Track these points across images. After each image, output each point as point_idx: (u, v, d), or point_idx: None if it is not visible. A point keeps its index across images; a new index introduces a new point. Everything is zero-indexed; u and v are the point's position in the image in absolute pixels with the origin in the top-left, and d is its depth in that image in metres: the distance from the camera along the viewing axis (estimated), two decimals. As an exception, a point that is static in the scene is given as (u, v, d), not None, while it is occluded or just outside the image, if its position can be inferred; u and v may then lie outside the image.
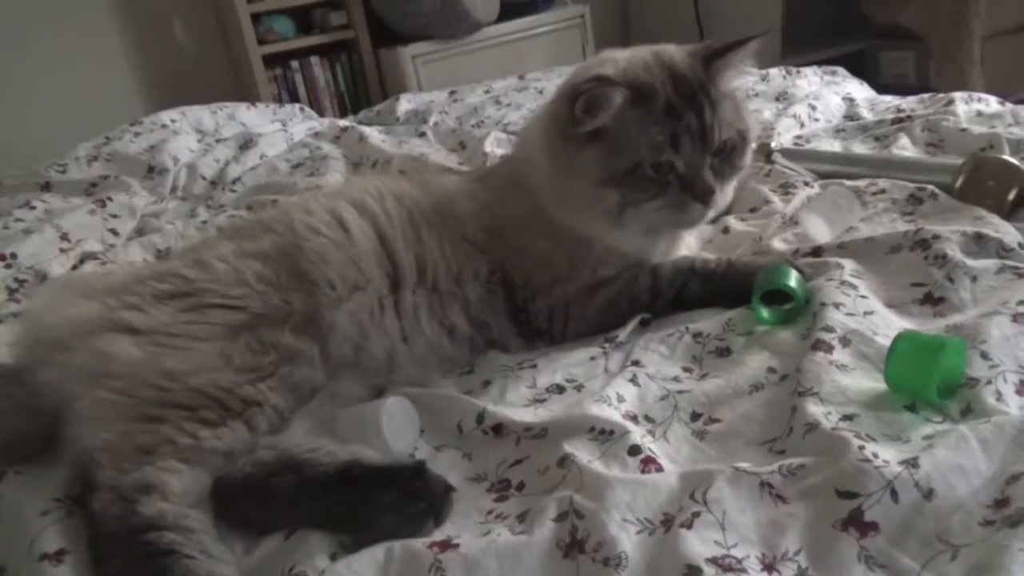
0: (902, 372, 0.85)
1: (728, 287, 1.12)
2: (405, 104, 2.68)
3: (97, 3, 3.48)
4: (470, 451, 0.94)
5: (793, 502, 0.74)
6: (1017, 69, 3.38)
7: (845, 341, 0.95)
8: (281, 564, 0.77)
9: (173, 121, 2.43)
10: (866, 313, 1.00)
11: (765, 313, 1.05)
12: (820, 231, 1.26)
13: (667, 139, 1.05)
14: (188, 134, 2.36)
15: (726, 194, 1.17)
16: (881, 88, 2.30)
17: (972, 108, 1.79)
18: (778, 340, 1.01)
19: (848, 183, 1.42)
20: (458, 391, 1.04)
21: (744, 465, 0.78)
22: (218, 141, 2.36)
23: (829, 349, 0.93)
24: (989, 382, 0.83)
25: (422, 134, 2.24)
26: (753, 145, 1.63)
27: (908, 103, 1.95)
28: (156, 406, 0.90)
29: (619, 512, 0.75)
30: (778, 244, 1.25)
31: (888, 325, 0.99)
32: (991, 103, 1.83)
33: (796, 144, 1.76)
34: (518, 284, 1.15)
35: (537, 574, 0.73)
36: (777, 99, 2.19)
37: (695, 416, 0.92)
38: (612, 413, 0.90)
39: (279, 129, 2.44)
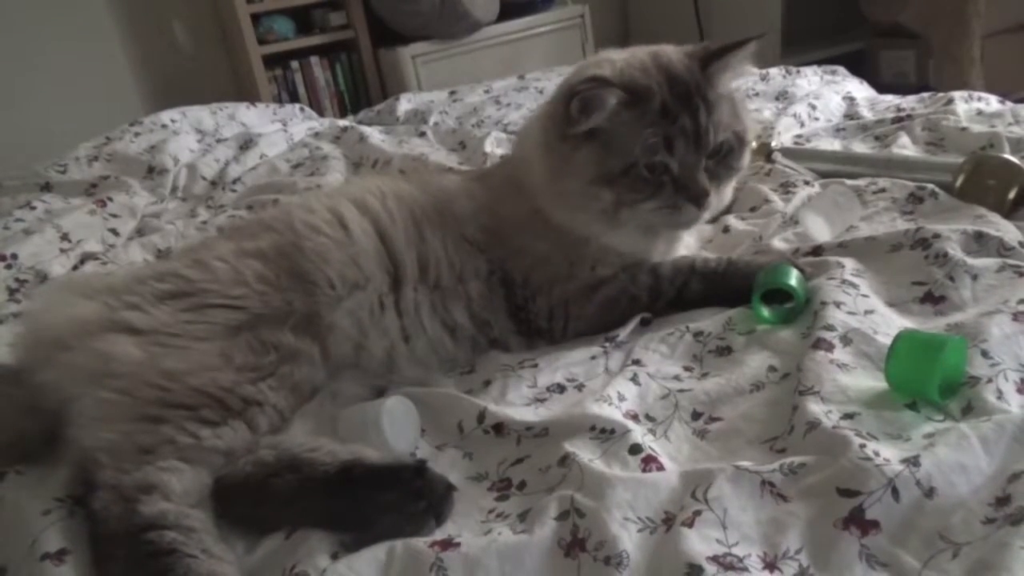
0: (903, 371, 0.85)
1: (729, 286, 1.12)
2: (405, 104, 2.68)
3: (97, 4, 3.49)
4: (471, 450, 0.94)
5: (794, 500, 0.74)
6: (1017, 68, 3.38)
7: (846, 340, 0.95)
8: (282, 563, 0.77)
9: (173, 121, 2.43)
10: (867, 312, 1.00)
11: (766, 312, 1.05)
12: (820, 230, 1.26)
13: (661, 141, 1.05)
14: (188, 134, 2.36)
15: (723, 195, 1.17)
16: (881, 87, 2.30)
17: (972, 107, 1.79)
18: (779, 339, 1.01)
19: (848, 182, 1.42)
20: (459, 390, 1.04)
21: (745, 464, 0.78)
22: (218, 141, 2.36)
23: (830, 348, 0.93)
24: (990, 380, 0.83)
25: (422, 134, 2.24)
26: (753, 144, 1.64)
27: (908, 102, 1.95)
28: (157, 406, 0.90)
29: (620, 511, 0.75)
30: (778, 243, 1.25)
31: (889, 324, 0.99)
32: (991, 102, 1.83)
33: (796, 143, 1.76)
34: (518, 283, 1.15)
35: (538, 573, 0.73)
36: (777, 98, 2.19)
37: (696, 415, 0.92)
38: (613, 412, 0.90)
39: (279, 129, 2.44)
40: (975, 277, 1.03)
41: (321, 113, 3.34)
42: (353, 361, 1.07)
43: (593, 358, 1.06)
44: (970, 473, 0.72)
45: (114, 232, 1.82)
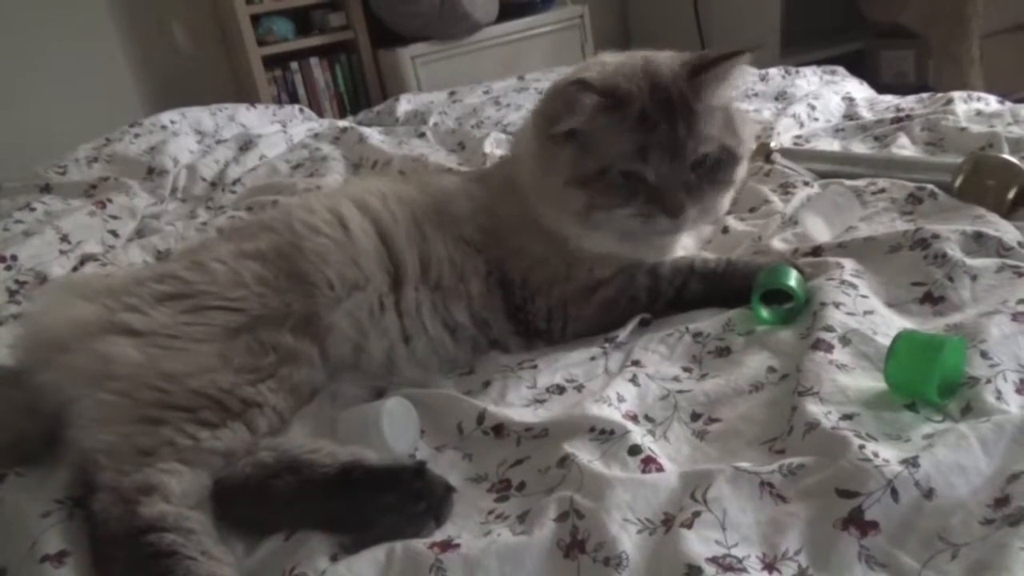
0: (902, 371, 0.85)
1: (728, 287, 1.12)
2: (404, 105, 2.69)
3: (96, 5, 3.49)
4: (470, 451, 0.94)
5: (793, 501, 0.74)
6: (1016, 68, 3.38)
7: (845, 340, 0.95)
8: (282, 565, 0.77)
9: (173, 122, 2.43)
10: (866, 312, 1.01)
11: (765, 313, 1.05)
12: (820, 231, 1.26)
13: (636, 148, 1.05)
14: (188, 135, 2.36)
15: (714, 207, 1.15)
16: (880, 87, 2.30)
17: (971, 107, 1.79)
18: (778, 340, 1.01)
19: (848, 182, 1.42)
20: (458, 391, 1.04)
21: (744, 465, 0.78)
22: (218, 142, 2.36)
23: (829, 348, 0.93)
24: (989, 381, 0.83)
25: (422, 135, 2.24)
26: (752, 146, 1.64)
27: (907, 102, 1.95)
28: (156, 408, 0.90)
29: (619, 512, 0.75)
30: (778, 244, 1.25)
31: (888, 324, 0.99)
32: (990, 102, 1.83)
33: (795, 144, 1.76)
34: (516, 284, 1.16)
35: (538, 574, 0.73)
36: (776, 99, 2.19)
37: (695, 416, 0.92)
38: (612, 413, 0.90)
39: (279, 130, 2.44)
40: (974, 277, 1.03)
41: (321, 114, 3.34)
42: (353, 362, 1.07)
43: (592, 359, 1.06)
44: (969, 474, 0.72)
45: (114, 233, 1.82)
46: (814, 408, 0.84)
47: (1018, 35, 3.47)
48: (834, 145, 1.73)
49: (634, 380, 0.98)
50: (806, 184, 1.47)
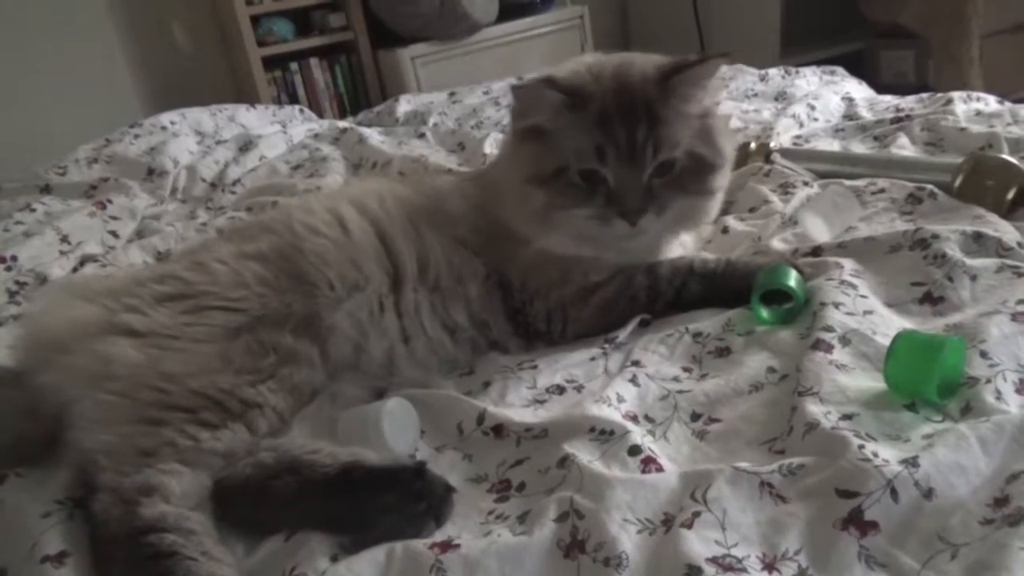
0: (902, 371, 0.85)
1: (727, 287, 1.12)
2: (404, 105, 2.69)
3: (96, 5, 3.49)
4: (470, 452, 0.94)
5: (793, 501, 0.74)
6: (1016, 68, 3.38)
7: (845, 340, 0.95)
8: (282, 565, 0.77)
9: (173, 123, 2.44)
10: (866, 312, 1.01)
11: (765, 313, 1.05)
12: (819, 231, 1.26)
13: (592, 147, 1.05)
14: (188, 136, 2.37)
15: (689, 214, 1.14)
16: (880, 88, 2.30)
17: (971, 107, 1.79)
18: (778, 340, 1.01)
19: (847, 183, 1.42)
20: (458, 392, 1.04)
21: (744, 465, 0.78)
22: (218, 143, 2.36)
23: (829, 349, 0.93)
24: (989, 381, 0.83)
25: (421, 135, 2.24)
26: (752, 146, 1.64)
27: (907, 102, 1.95)
28: (156, 408, 0.90)
29: (619, 512, 0.75)
30: (777, 244, 1.25)
31: (888, 324, 0.99)
32: (990, 102, 1.83)
33: (795, 144, 1.76)
34: (516, 287, 1.15)
35: (538, 574, 0.73)
36: (776, 99, 2.20)
37: (695, 416, 0.92)
38: (612, 413, 0.90)
39: (279, 131, 2.44)
40: (974, 278, 1.03)
41: (320, 115, 3.35)
42: (353, 363, 1.07)
43: (592, 359, 1.06)
44: (969, 474, 0.72)
45: (114, 234, 1.82)
46: (814, 408, 0.84)
47: (1018, 35, 3.47)
48: (834, 145, 1.73)
49: (634, 380, 0.98)
50: (806, 184, 1.47)
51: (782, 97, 2.18)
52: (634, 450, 0.84)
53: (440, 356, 1.12)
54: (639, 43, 1.15)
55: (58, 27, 3.38)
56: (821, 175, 1.52)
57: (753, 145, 1.65)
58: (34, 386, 0.94)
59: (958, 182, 1.30)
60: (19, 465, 0.94)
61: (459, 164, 1.95)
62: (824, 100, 2.05)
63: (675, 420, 0.92)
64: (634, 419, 0.91)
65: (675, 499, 0.77)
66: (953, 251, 1.07)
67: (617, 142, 1.04)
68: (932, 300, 1.03)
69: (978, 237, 1.11)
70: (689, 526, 0.72)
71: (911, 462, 0.72)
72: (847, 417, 0.82)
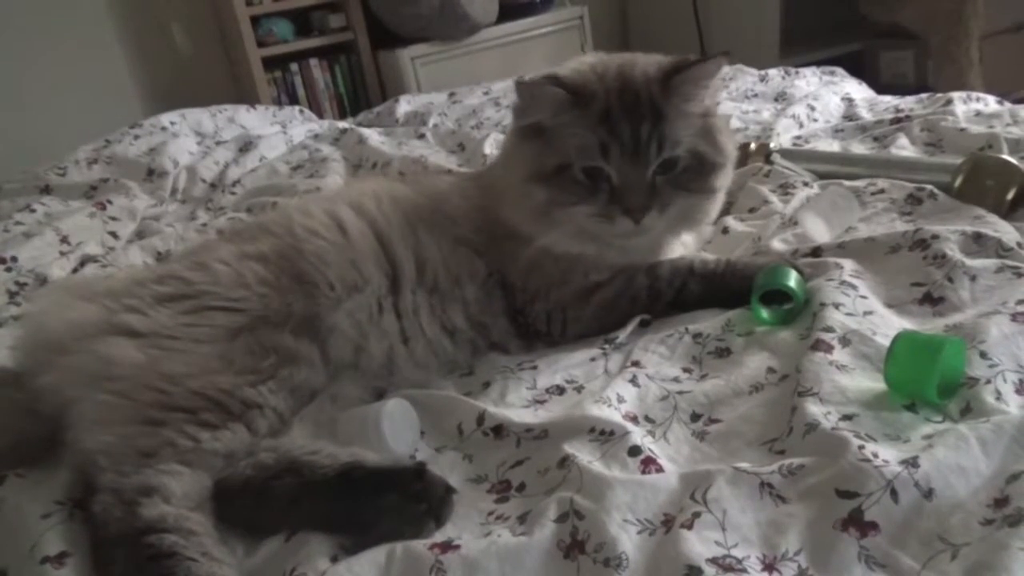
0: (901, 372, 0.85)
1: (727, 287, 1.12)
2: (404, 106, 2.69)
3: (96, 6, 3.49)
4: (470, 452, 0.94)
5: (793, 502, 0.74)
6: (1015, 68, 3.38)
7: (845, 341, 0.95)
8: (282, 566, 0.77)
9: (173, 124, 2.44)
10: (866, 313, 1.01)
11: (765, 313, 1.05)
12: (819, 231, 1.26)
13: (596, 145, 1.05)
14: (188, 137, 2.37)
15: (691, 213, 1.14)
16: (880, 88, 2.30)
17: (970, 108, 1.79)
18: (778, 340, 1.01)
19: (847, 183, 1.42)
20: (458, 392, 1.04)
21: (744, 465, 0.78)
22: (218, 143, 2.36)
23: (829, 349, 0.93)
24: (988, 381, 0.83)
25: (421, 136, 2.24)
26: (752, 146, 1.64)
27: (907, 103, 1.95)
28: (156, 409, 0.90)
29: (619, 513, 0.75)
30: (777, 244, 1.25)
31: (888, 325, 0.99)
32: (989, 102, 1.83)
33: (795, 144, 1.76)
34: (517, 288, 1.15)
35: (538, 575, 0.73)
36: (776, 99, 2.20)
37: (695, 417, 0.92)
38: (612, 414, 0.90)
39: (279, 131, 2.44)
40: (974, 278, 1.03)
41: (320, 115, 3.35)
42: (353, 363, 1.07)
43: (592, 360, 1.06)
44: (969, 474, 0.72)
45: (114, 235, 1.82)
46: (814, 409, 0.84)
47: (1017, 36, 3.47)
48: (833, 146, 1.73)
49: (634, 381, 0.98)
50: (806, 185, 1.47)
51: (782, 98, 2.18)
52: (634, 451, 0.84)
53: (440, 357, 1.12)
54: (639, 44, 1.15)
55: (58, 27, 3.38)
56: (821, 175, 1.52)
57: (753, 145, 1.66)
58: (34, 387, 0.94)
59: (958, 182, 1.30)
60: (19, 466, 0.94)
61: (459, 165, 1.95)
62: (824, 101, 2.05)
63: (675, 420, 0.92)
64: (634, 420, 0.91)
65: (675, 499, 0.77)
66: (953, 251, 1.07)
67: (621, 139, 1.05)
68: (932, 300, 1.03)
69: (978, 237, 1.11)
70: (689, 527, 0.72)
71: (911, 462, 0.72)
72: (847, 417, 0.82)
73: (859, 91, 2.21)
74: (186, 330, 0.98)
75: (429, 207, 1.20)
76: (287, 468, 0.86)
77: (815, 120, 1.96)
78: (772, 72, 2.42)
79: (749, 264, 1.14)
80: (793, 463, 0.77)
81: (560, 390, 1.02)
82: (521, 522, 0.80)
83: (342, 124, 2.52)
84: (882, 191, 1.37)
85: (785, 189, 1.47)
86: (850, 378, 0.89)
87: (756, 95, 2.28)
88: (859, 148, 1.69)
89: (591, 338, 1.12)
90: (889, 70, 3.73)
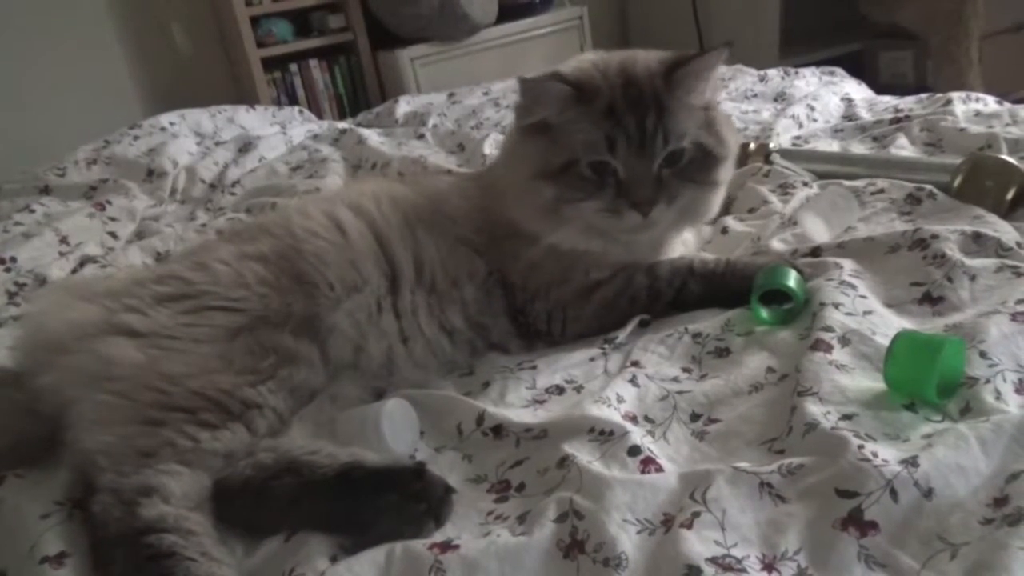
0: (901, 371, 0.85)
1: (727, 287, 1.12)
2: (404, 106, 2.69)
3: (96, 6, 3.49)
4: (470, 452, 0.94)
5: (793, 502, 0.74)
6: (1015, 68, 3.38)
7: (844, 341, 0.95)
8: (282, 566, 0.77)
9: (172, 124, 2.44)
10: (865, 313, 1.01)
11: (764, 313, 1.05)
12: (819, 231, 1.26)
13: (603, 139, 1.05)
14: (187, 137, 2.37)
15: (696, 207, 1.15)
16: (879, 88, 2.31)
17: (970, 108, 1.79)
18: (777, 340, 1.01)
19: (847, 183, 1.42)
20: (458, 392, 1.04)
21: (744, 465, 0.78)
22: (217, 144, 2.36)
23: (828, 349, 0.93)
24: (988, 381, 0.83)
25: (421, 136, 2.24)
26: (752, 146, 1.64)
27: (906, 103, 1.95)
28: (156, 409, 0.90)
29: (619, 512, 0.75)
30: (777, 244, 1.25)
31: (887, 325, 0.99)
32: (989, 103, 1.83)
33: (795, 144, 1.76)
34: (517, 286, 1.16)
35: (537, 575, 0.73)
36: (775, 99, 2.20)
37: (695, 416, 0.92)
38: (612, 414, 0.90)
39: (278, 132, 2.44)
40: (973, 278, 1.03)
41: (320, 116, 3.35)
42: (352, 363, 1.07)
43: (592, 360, 1.06)
44: (968, 474, 0.72)
45: (113, 235, 1.82)
46: (813, 408, 0.84)
47: (1017, 36, 3.47)
48: (833, 146, 1.73)
49: (633, 381, 0.98)
50: (805, 185, 1.47)
51: (781, 98, 2.19)
52: (634, 450, 0.84)
53: (439, 357, 1.12)
54: (638, 44, 1.16)
55: (58, 27, 3.38)
56: (820, 175, 1.52)
57: (752, 146, 1.66)
58: (34, 387, 0.94)
59: (957, 182, 1.30)
60: (18, 466, 0.94)
61: (459, 165, 1.95)
62: (823, 101, 2.05)
63: (675, 420, 0.92)
64: (633, 419, 0.91)
65: (675, 499, 0.77)
66: (952, 251, 1.07)
67: (627, 133, 1.05)
68: (931, 300, 1.03)
69: (977, 237, 1.11)
70: (689, 526, 0.72)
71: (911, 462, 0.72)
72: (847, 417, 0.82)
73: (858, 91, 2.21)
74: (186, 330, 0.98)
75: (428, 207, 1.20)
76: (286, 468, 0.86)
77: (815, 120, 1.96)
78: (772, 72, 2.42)
79: (749, 264, 1.14)
80: (793, 463, 0.77)
81: (560, 390, 1.02)
82: (521, 522, 0.80)
83: (341, 125, 2.52)
84: (881, 191, 1.37)
85: (784, 189, 1.47)
86: (850, 378, 0.89)
87: (755, 95, 2.28)
88: (859, 148, 1.69)
89: (591, 338, 1.12)
90: (888, 70, 3.73)
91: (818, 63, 2.55)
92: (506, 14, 3.88)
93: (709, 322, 1.07)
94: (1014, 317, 0.92)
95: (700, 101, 1.11)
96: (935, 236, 1.11)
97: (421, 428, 0.98)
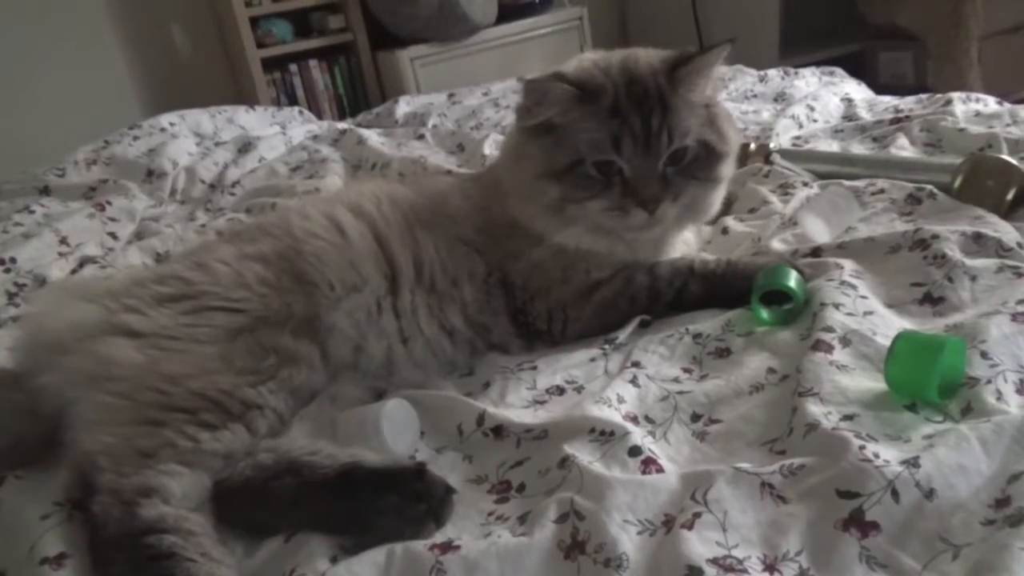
0: (902, 372, 0.85)
1: (728, 287, 1.12)
2: (404, 107, 2.69)
3: (95, 7, 3.49)
4: (471, 453, 0.94)
5: (794, 502, 0.74)
6: (1015, 69, 3.38)
7: (845, 341, 0.95)
8: (282, 567, 0.77)
9: (172, 125, 2.44)
10: (866, 313, 1.00)
11: (765, 314, 1.05)
12: (819, 231, 1.26)
13: (608, 138, 1.06)
14: (187, 137, 2.37)
15: (698, 205, 1.15)
16: (879, 88, 2.31)
17: (970, 108, 1.80)
18: (778, 340, 1.01)
19: (847, 183, 1.42)
20: (458, 393, 1.04)
21: (745, 465, 0.78)
22: (217, 144, 2.36)
23: (829, 349, 0.93)
24: (989, 381, 0.83)
25: (421, 136, 2.24)
26: (752, 147, 1.65)
27: (906, 103, 1.96)
28: (156, 409, 0.90)
29: (620, 513, 0.75)
30: (777, 244, 1.25)
31: (888, 325, 0.99)
32: (989, 103, 1.84)
33: (795, 145, 1.76)
34: (518, 286, 1.16)
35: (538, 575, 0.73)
36: (775, 100, 2.20)
37: (695, 417, 0.92)
38: (612, 414, 0.90)
39: (278, 132, 2.44)
40: (974, 278, 1.03)
41: (320, 116, 3.35)
42: (352, 363, 1.07)
43: (592, 360, 1.06)
44: (970, 474, 0.72)
45: (113, 236, 1.82)
46: (814, 409, 0.84)
47: (1016, 36, 3.47)
48: (833, 146, 1.73)
49: (634, 381, 0.98)
50: (805, 185, 1.47)
51: (781, 98, 2.19)
52: (634, 451, 0.84)
53: (439, 357, 1.12)
54: (638, 45, 1.16)
55: (58, 28, 3.38)
56: (820, 176, 1.52)
57: (752, 146, 1.65)
58: (34, 387, 0.94)
59: (957, 183, 1.30)
60: (18, 467, 0.94)
61: (459, 165, 1.95)
62: (823, 101, 2.06)
63: (675, 421, 0.92)
64: (634, 420, 0.91)
65: (675, 500, 0.77)
66: (953, 251, 1.07)
67: (632, 132, 1.05)
68: (932, 300, 1.03)
69: (978, 237, 1.11)
70: (690, 527, 0.72)
71: (912, 462, 0.72)
72: (848, 418, 0.82)
73: (858, 91, 2.21)
74: (186, 330, 0.98)
75: (428, 208, 1.20)
76: (287, 469, 0.86)
77: (814, 120, 1.96)
78: (771, 73, 2.42)
79: (749, 264, 1.14)
80: (794, 463, 0.77)
81: (560, 390, 1.02)
82: (521, 522, 0.79)
83: (341, 125, 2.52)
84: (882, 191, 1.37)
85: (785, 189, 1.47)
86: (850, 378, 0.89)
87: (755, 96, 2.28)
88: (859, 148, 1.69)
89: (591, 338, 1.12)
90: (888, 70, 3.73)
91: (818, 63, 2.56)
92: (506, 14, 3.88)
93: (710, 322, 1.07)
94: (1015, 317, 0.91)
95: (702, 98, 1.11)
96: (936, 236, 1.11)
97: (421, 428, 0.98)
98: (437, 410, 1.00)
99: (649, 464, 0.83)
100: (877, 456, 0.74)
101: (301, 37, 3.72)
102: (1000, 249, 1.09)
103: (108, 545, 0.80)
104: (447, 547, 0.75)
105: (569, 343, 1.13)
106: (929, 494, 0.71)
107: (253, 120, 2.62)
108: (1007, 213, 1.23)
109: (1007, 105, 1.80)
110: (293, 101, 3.69)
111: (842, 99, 2.09)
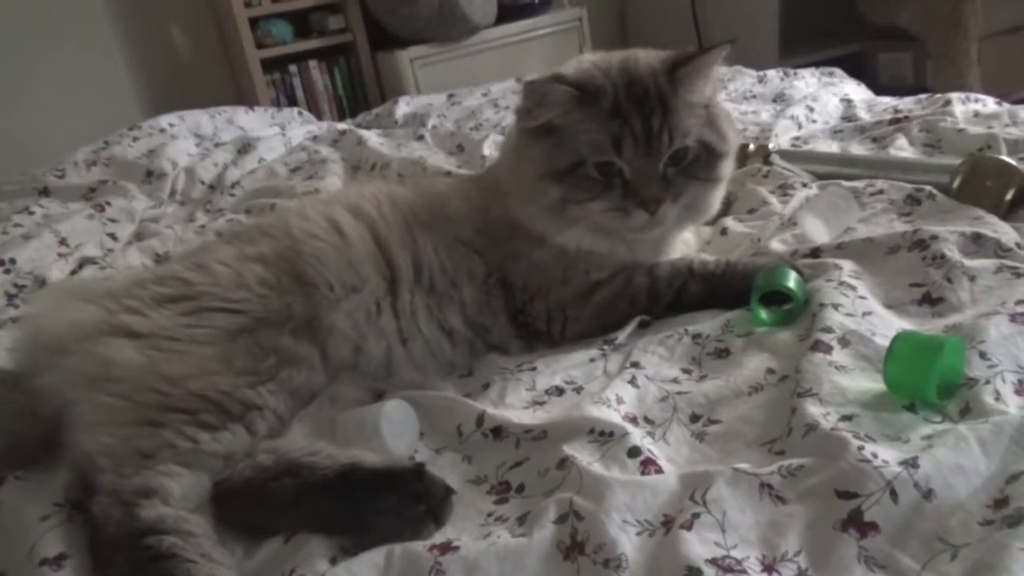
0: (901, 372, 0.85)
1: (727, 288, 1.12)
2: (403, 107, 2.69)
3: (95, 8, 3.49)
4: (470, 453, 0.94)
5: (793, 503, 0.74)
6: (1014, 69, 3.38)
7: (844, 342, 0.95)
8: (281, 568, 0.77)
9: (171, 125, 2.44)
10: (865, 314, 1.01)
11: (764, 314, 1.05)
12: (818, 232, 1.26)
13: (608, 139, 1.06)
14: (186, 138, 2.37)
15: (698, 205, 1.15)
16: (879, 89, 2.31)
17: (969, 108, 1.80)
18: (777, 341, 1.01)
19: (846, 184, 1.42)
20: (457, 393, 1.04)
21: (744, 466, 0.78)
22: (216, 145, 2.36)
23: (828, 350, 0.93)
24: (988, 382, 0.83)
25: (420, 137, 2.24)
26: (751, 147, 1.65)
27: (905, 104, 1.96)
28: (156, 410, 0.90)
29: (619, 514, 0.75)
30: (776, 245, 1.25)
31: (887, 325, 0.99)
32: (988, 103, 1.84)
33: (794, 145, 1.76)
34: (517, 287, 1.16)
35: (537, 576, 0.73)
36: (775, 100, 2.20)
37: (694, 417, 0.92)
38: (611, 415, 0.90)
39: (277, 133, 2.44)
40: (973, 278, 1.03)
41: (319, 117, 3.35)
42: (352, 364, 1.07)
43: (592, 361, 1.06)
44: (968, 475, 0.72)
45: (112, 236, 1.82)
46: (813, 409, 0.84)
47: (1016, 36, 3.47)
48: (832, 147, 1.73)
49: (633, 382, 0.98)
50: (804, 185, 1.47)
51: (780, 99, 2.19)
52: (633, 451, 0.84)
53: (438, 358, 1.12)
54: (637, 45, 1.16)
55: (57, 29, 3.38)
56: (820, 176, 1.52)
57: (752, 146, 1.66)
58: (33, 388, 0.94)
59: (957, 183, 1.30)
60: (18, 467, 0.94)
61: (458, 166, 1.95)
62: (822, 102, 2.06)
63: (674, 421, 0.92)
64: (633, 420, 0.91)
65: (675, 500, 0.77)
66: (952, 252, 1.08)
67: (633, 133, 1.05)
68: (931, 301, 1.04)
69: (977, 238, 1.11)
70: (689, 527, 0.72)
71: (911, 463, 0.72)
72: (846, 418, 0.82)
73: (858, 92, 2.21)
74: (186, 331, 0.98)
75: (428, 209, 1.20)
76: (286, 469, 0.86)
77: (814, 121, 1.96)
78: (771, 73, 2.42)
79: (748, 265, 1.14)
80: (792, 464, 0.77)
81: (559, 391, 1.02)
82: (521, 523, 0.80)
83: (341, 126, 2.52)
84: (881, 192, 1.37)
85: (784, 190, 1.47)
86: (849, 379, 0.89)
87: (755, 96, 2.28)
88: (858, 149, 1.69)
89: (590, 339, 1.12)
90: (888, 71, 3.73)
91: (817, 64, 2.56)
92: (505, 15, 3.89)
93: (709, 323, 1.07)
94: (1013, 318, 0.92)
95: (702, 98, 1.12)
96: (934, 237, 1.11)
97: (421, 429, 0.98)
98: (436, 411, 1.00)
99: (648, 465, 0.83)
100: (876, 456, 0.74)
101: (301, 38, 3.72)
102: (999, 249, 1.09)
103: (108, 546, 0.80)
104: (446, 548, 0.75)
105: (568, 344, 1.14)
106: (928, 494, 0.71)
107: (253, 121, 2.62)
108: (1006, 214, 1.23)
109: (1006, 105, 1.80)
110: (293, 102, 3.70)
111: (841, 100, 2.09)
